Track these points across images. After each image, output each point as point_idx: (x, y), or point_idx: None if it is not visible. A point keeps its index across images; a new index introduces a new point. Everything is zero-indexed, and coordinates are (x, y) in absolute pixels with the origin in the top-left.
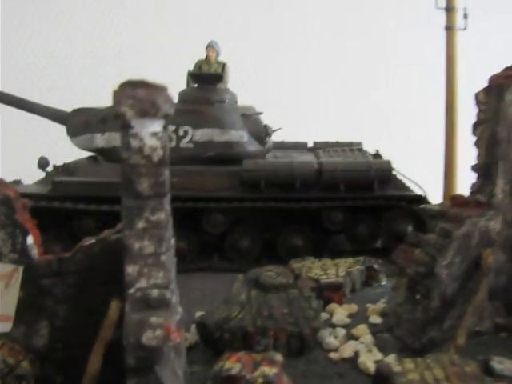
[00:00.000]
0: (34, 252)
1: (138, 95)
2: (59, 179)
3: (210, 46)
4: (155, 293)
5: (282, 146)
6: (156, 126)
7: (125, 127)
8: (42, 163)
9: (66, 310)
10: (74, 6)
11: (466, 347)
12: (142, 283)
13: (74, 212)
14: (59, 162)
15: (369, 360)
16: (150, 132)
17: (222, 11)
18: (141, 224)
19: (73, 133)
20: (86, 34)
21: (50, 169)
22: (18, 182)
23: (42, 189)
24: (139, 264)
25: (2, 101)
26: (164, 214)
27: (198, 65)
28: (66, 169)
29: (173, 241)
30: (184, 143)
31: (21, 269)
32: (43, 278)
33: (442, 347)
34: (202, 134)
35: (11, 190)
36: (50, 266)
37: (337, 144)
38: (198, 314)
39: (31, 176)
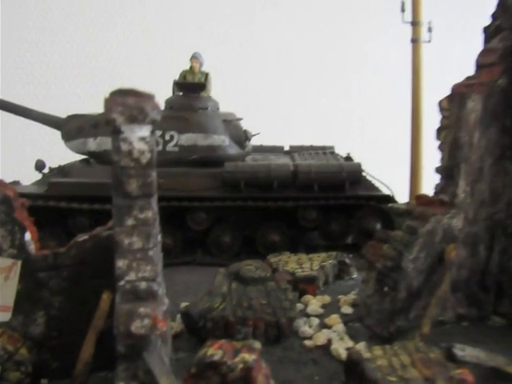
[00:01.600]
0: (32, 247)
1: (127, 103)
2: (54, 180)
3: (194, 57)
4: (143, 285)
5: (260, 149)
6: (144, 131)
7: (115, 132)
8: (39, 165)
9: (60, 301)
10: (69, 22)
11: (431, 335)
12: (131, 276)
13: (68, 211)
14: (55, 165)
15: (341, 347)
16: (138, 137)
17: (205, 25)
18: (130, 221)
19: (67, 137)
20: (79, 46)
21: (46, 171)
22: (16, 183)
23: (38, 189)
24: (128, 258)
25: (3, 108)
26: (151, 213)
27: (183, 75)
28: (61, 171)
29: (159, 237)
30: (170, 147)
31: (19, 263)
32: (40, 271)
33: (408, 335)
34: (186, 139)
35: (10, 190)
36: (46, 261)
37: (311, 148)
38: (183, 304)
39: (29, 177)
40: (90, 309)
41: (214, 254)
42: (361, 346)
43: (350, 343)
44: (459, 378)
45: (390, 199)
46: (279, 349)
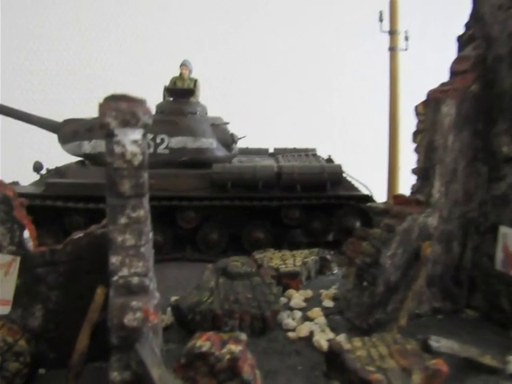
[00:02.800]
0: (30, 244)
1: (120, 107)
2: (52, 181)
3: (184, 65)
4: (135, 280)
5: (246, 151)
6: (136, 134)
7: (109, 135)
8: (37, 167)
9: (57, 295)
10: (64, 31)
11: (407, 327)
12: (124, 272)
13: (64, 210)
14: (52, 166)
15: (322, 339)
16: (131, 140)
17: (194, 35)
18: (123, 220)
19: (63, 140)
20: (75, 54)
21: (44, 172)
22: (16, 184)
23: (36, 189)
24: (121, 255)
25: (3, 112)
26: (143, 211)
27: (173, 81)
28: (58, 172)
29: (151, 234)
30: (161, 149)
31: (18, 259)
32: (38, 267)
33: (387, 327)
34: (176, 142)
35: (10, 190)
36: (43, 257)
37: (294, 150)
38: (173, 298)
39: (28, 178)
40: (85, 302)
41: (202, 250)
42: (341, 338)
43: (331, 335)
44: (434, 367)
45: (368, 199)
46: (264, 340)
